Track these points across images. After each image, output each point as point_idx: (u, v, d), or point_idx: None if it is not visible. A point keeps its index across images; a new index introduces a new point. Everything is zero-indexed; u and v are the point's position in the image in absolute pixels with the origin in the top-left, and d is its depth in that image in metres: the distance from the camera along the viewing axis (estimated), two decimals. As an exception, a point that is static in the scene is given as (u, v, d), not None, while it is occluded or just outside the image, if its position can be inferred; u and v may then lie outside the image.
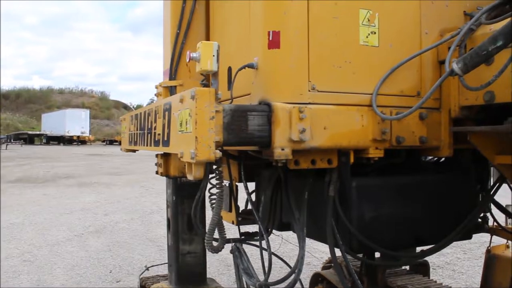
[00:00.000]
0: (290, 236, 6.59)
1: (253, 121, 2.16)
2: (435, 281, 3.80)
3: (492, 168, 3.15)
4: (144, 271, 4.36)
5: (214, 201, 2.55)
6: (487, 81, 2.14)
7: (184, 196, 3.60)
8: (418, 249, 3.17)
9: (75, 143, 62.23)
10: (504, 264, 3.67)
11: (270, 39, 2.32)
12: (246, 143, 2.22)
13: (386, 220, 2.56)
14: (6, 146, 48.31)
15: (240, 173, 3.08)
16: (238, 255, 3.13)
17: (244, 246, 3.24)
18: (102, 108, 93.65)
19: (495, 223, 3.56)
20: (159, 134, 2.62)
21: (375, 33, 2.49)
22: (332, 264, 2.92)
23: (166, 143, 2.47)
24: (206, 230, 2.54)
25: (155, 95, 3.59)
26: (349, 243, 2.50)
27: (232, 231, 3.43)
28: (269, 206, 2.97)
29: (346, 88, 2.42)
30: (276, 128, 2.18)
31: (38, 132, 69.35)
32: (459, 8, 2.73)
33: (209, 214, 2.67)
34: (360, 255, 3.12)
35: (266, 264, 2.79)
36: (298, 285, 2.64)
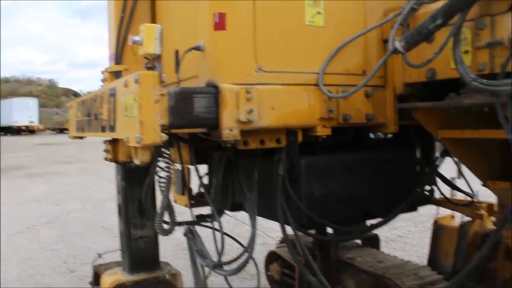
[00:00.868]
0: (246, 217, 6.65)
1: (199, 103, 2.16)
2: (383, 253, 3.92)
3: (436, 143, 3.26)
4: (97, 259, 4.31)
5: (163, 185, 2.55)
6: (428, 58, 2.20)
7: (134, 182, 3.58)
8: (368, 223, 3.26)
9: (23, 133, 60.48)
10: (450, 234, 3.81)
11: (216, 21, 2.31)
12: (192, 125, 2.23)
13: (335, 197, 2.62)
14: (-50, 139, 46.58)
15: (191, 156, 3.08)
16: (191, 237, 3.14)
17: (199, 228, 3.25)
18: (51, 96, 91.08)
19: (441, 196, 3.69)
20: (105, 120, 2.58)
21: (320, 13, 2.53)
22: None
23: (112, 128, 2.44)
24: (157, 214, 2.54)
25: (102, 80, 3.53)
26: (299, 220, 2.55)
27: (187, 215, 3.44)
28: (221, 187, 2.98)
29: (293, 68, 2.45)
30: (223, 110, 2.19)
31: (-17, 123, 67.05)
32: None
33: (160, 198, 2.67)
34: (312, 232, 3.19)
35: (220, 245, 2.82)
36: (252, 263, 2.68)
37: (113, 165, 3.79)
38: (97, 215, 9.27)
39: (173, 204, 3.03)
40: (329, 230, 3.46)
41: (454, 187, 3.60)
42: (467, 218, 3.72)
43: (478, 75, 2.06)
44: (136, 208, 3.60)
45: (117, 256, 3.99)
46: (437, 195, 3.63)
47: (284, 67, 2.42)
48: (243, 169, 2.74)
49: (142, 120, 2.00)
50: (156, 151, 2.48)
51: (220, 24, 2.31)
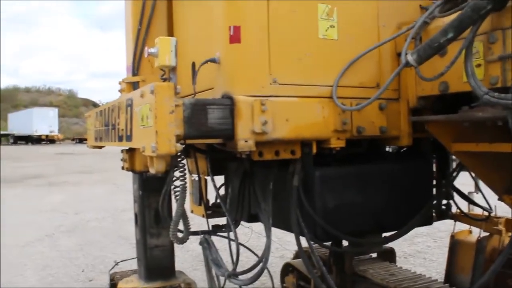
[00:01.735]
0: (263, 229, 6.66)
1: (213, 114, 2.21)
2: (399, 267, 3.90)
3: (453, 156, 3.26)
4: (113, 266, 4.36)
5: (178, 194, 2.59)
6: (440, 72, 2.23)
7: (150, 191, 3.63)
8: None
9: (43, 142, 61.23)
10: (467, 249, 3.78)
11: (231, 34, 2.37)
12: (207, 136, 2.28)
13: (349, 208, 2.64)
14: (-28, 147, 47.31)
15: (208, 167, 3.12)
16: (207, 246, 3.18)
17: (215, 240, 3.29)
18: (71, 106, 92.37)
19: (458, 210, 3.68)
20: (122, 130, 2.65)
21: (334, 26, 2.57)
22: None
23: (129, 138, 2.50)
24: (171, 223, 2.59)
25: (119, 91, 3.60)
26: (314, 231, 2.57)
27: (204, 225, 3.48)
28: (237, 198, 3.02)
29: (307, 81, 2.49)
30: (238, 121, 2.24)
31: (4, 132, 67.99)
32: (415, 2, 2.82)
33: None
34: (327, 243, 3.20)
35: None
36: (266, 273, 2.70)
37: (131, 175, 3.85)
38: (115, 224, 9.34)
39: (191, 214, 3.07)
40: (345, 243, 3.49)
41: (471, 201, 3.59)
42: (484, 233, 3.69)
43: (491, 88, 2.07)
44: (153, 217, 3.65)
45: (133, 265, 4.03)
46: (454, 209, 3.63)
47: (298, 79, 2.46)
48: (259, 180, 2.78)
49: (158, 130, 2.05)
50: (173, 161, 2.53)
51: (235, 37, 2.36)
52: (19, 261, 6.95)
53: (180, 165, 2.52)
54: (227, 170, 3.32)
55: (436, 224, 5.98)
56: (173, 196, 2.74)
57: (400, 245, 7.21)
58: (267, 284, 3.68)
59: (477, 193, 3.60)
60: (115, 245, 7.69)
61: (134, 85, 3.36)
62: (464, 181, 3.43)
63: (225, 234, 3.14)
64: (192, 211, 3.80)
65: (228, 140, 2.31)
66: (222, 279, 3.32)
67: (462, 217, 3.68)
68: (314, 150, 2.52)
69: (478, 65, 2.22)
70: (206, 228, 3.30)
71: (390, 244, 4.25)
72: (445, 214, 3.69)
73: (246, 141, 2.25)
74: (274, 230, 6.65)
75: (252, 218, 3.07)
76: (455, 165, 3.30)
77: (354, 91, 2.60)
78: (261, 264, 2.59)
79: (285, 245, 6.84)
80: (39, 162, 27.12)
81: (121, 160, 3.74)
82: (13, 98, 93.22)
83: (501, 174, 2.67)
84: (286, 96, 2.41)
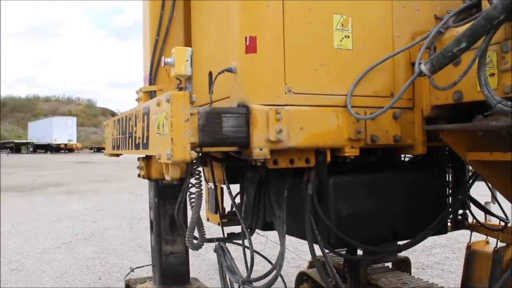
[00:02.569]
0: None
1: (227, 123, 2.25)
2: (412, 276, 3.90)
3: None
4: (129, 273, 4.41)
5: (193, 201, 2.63)
6: (453, 81, 2.24)
7: (166, 198, 3.68)
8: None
9: (62, 151, 61.81)
10: (484, 259, 3.75)
11: (247, 44, 2.41)
12: (221, 144, 2.33)
13: (363, 216, 2.66)
14: (-7, 156, 47.95)
15: (224, 175, 3.16)
16: (222, 253, 3.20)
17: (231, 249, 3.31)
18: (89, 115, 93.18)
19: (474, 220, 3.67)
20: (139, 138, 2.70)
21: (348, 37, 2.60)
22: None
23: (146, 145, 2.56)
24: (187, 229, 2.62)
25: (136, 100, 3.67)
26: (328, 239, 2.59)
27: (220, 233, 3.51)
28: (252, 206, 3.05)
29: (322, 90, 2.52)
30: (254, 129, 2.28)
31: (24, 141, 68.75)
32: (430, 12, 2.84)
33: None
34: (342, 252, 3.22)
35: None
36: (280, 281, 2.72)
37: (148, 184, 3.90)
38: (132, 233, 9.41)
39: (207, 223, 3.10)
40: (360, 252, 3.50)
41: (487, 211, 3.58)
42: (501, 244, 3.67)
43: (504, 97, 2.08)
44: (168, 224, 3.70)
45: (149, 272, 4.07)
46: (470, 220, 3.62)
47: (313, 89, 2.50)
48: (274, 187, 2.81)
49: (173, 138, 2.10)
50: (188, 169, 2.58)
51: (251, 47, 2.40)
52: (37, 268, 7.04)
53: (196, 172, 2.56)
54: (242, 179, 3.35)
55: (455, 235, 5.95)
56: (188, 204, 2.78)
57: (417, 256, 7.16)
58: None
59: (493, 203, 3.59)
60: (132, 253, 7.75)
61: (151, 94, 3.42)
62: (482, 192, 3.43)
63: (239, 242, 3.17)
64: (208, 219, 3.84)
65: (243, 148, 2.34)
66: (236, 286, 3.35)
67: (478, 227, 3.67)
68: (329, 158, 2.55)
69: (492, 74, 2.24)
70: (220, 236, 3.34)
71: (408, 255, 4.25)
72: (461, 224, 3.69)
73: (261, 149, 2.28)
74: (291, 240, 6.71)
75: (267, 226, 3.09)
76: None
77: (368, 100, 2.62)
78: (275, 271, 2.60)
79: (301, 255, 6.83)
80: (58, 170, 27.41)
81: (138, 168, 3.79)
82: (33, 107, 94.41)
83: (516, 183, 2.67)
84: (301, 105, 2.44)
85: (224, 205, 3.73)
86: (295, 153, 2.48)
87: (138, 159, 3.75)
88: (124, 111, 3.28)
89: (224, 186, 3.27)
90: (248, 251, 2.90)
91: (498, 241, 3.65)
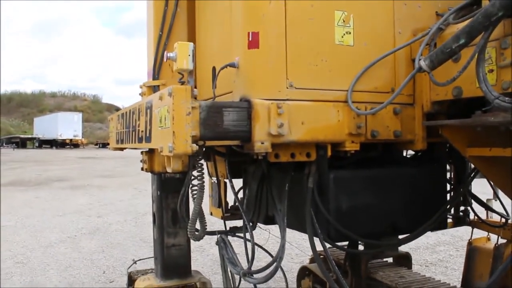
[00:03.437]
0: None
1: (228, 117, 2.29)
2: (410, 270, 3.94)
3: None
4: (131, 265, 4.46)
5: (195, 193, 2.67)
6: (452, 77, 2.27)
7: (169, 191, 3.71)
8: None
9: (67, 146, 62.02)
10: (485, 256, 3.78)
11: (250, 39, 2.45)
12: (222, 137, 2.36)
13: (362, 210, 2.69)
14: (-1, 150, 48.21)
15: (227, 170, 3.20)
16: (223, 246, 3.25)
17: (234, 244, 3.35)
18: (95, 111, 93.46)
19: (475, 217, 3.70)
20: (142, 131, 2.74)
21: (350, 33, 2.63)
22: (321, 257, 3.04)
23: (148, 139, 2.60)
24: (189, 221, 2.67)
25: (140, 94, 3.70)
26: (327, 232, 2.63)
27: (223, 228, 3.55)
28: (254, 200, 3.09)
29: (323, 85, 2.55)
30: (255, 123, 2.31)
31: (30, 136, 68.99)
32: (431, 9, 2.87)
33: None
34: (343, 246, 3.25)
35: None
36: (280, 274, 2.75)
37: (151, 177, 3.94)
38: (136, 228, 9.46)
39: (210, 217, 3.13)
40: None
41: (488, 208, 3.60)
42: (502, 240, 3.70)
43: (503, 93, 2.11)
44: (170, 217, 3.73)
45: (152, 264, 4.11)
46: (472, 216, 3.65)
47: (314, 84, 2.53)
48: (275, 182, 2.85)
49: (175, 131, 2.14)
50: (190, 162, 2.62)
51: (253, 42, 2.44)
52: (42, 262, 7.10)
53: (198, 165, 2.60)
54: (245, 173, 3.39)
55: (459, 233, 5.97)
56: (191, 197, 2.82)
57: (421, 254, 7.19)
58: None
59: (495, 200, 3.62)
60: (136, 247, 7.80)
61: (155, 89, 3.45)
62: (487, 190, 3.46)
63: (241, 235, 3.20)
64: (211, 214, 3.88)
65: (245, 142, 2.38)
66: (237, 278, 3.40)
67: (480, 224, 3.69)
68: (329, 153, 2.58)
69: (491, 71, 2.26)
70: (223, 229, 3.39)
71: (412, 253, 4.28)
72: (462, 220, 3.72)
73: (262, 143, 2.32)
74: (295, 236, 6.74)
75: (269, 220, 3.13)
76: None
77: (369, 96, 2.65)
78: (275, 264, 2.64)
79: (305, 251, 6.87)
80: (63, 165, 27.52)
81: (141, 161, 3.84)
82: (39, 103, 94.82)
83: (516, 179, 2.69)
84: (302, 100, 2.48)
85: (227, 200, 3.78)
86: (296, 147, 2.51)
87: (142, 152, 3.80)
88: (128, 106, 3.31)
89: (227, 181, 3.31)
90: (249, 244, 2.94)
91: (499, 237, 3.68)
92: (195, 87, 2.66)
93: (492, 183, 3.28)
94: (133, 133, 3.01)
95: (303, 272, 4.67)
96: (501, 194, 3.19)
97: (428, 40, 2.54)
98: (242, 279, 3.05)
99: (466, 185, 3.28)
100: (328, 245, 2.75)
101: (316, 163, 2.60)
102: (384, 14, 2.74)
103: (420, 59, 2.32)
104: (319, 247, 2.75)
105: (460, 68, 2.25)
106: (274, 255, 2.74)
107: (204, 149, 2.64)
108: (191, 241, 3.83)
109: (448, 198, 3.12)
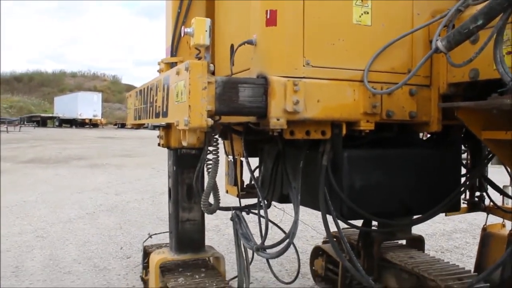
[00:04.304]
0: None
1: (244, 93, 2.32)
2: (420, 251, 3.96)
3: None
4: (147, 239, 4.55)
5: (210, 167, 2.72)
6: (469, 58, 2.27)
7: (184, 167, 3.77)
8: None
9: (87, 126, 62.60)
10: (499, 242, 3.79)
11: (268, 17, 2.47)
12: (237, 112, 2.40)
13: (375, 190, 2.72)
14: (20, 128, 48.83)
15: (243, 148, 3.24)
16: (238, 221, 3.30)
17: (249, 223, 3.39)
18: (114, 91, 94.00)
19: (491, 203, 3.70)
20: (159, 106, 2.79)
21: (368, 13, 2.63)
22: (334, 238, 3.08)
23: (165, 114, 2.65)
24: (203, 194, 2.72)
25: (158, 71, 3.75)
26: (340, 210, 2.66)
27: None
28: (269, 178, 3.13)
29: (339, 64, 2.56)
30: (272, 100, 2.34)
31: (50, 115, 69.73)
32: None
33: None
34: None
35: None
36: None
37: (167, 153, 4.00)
38: (154, 206, 9.59)
39: (224, 198, 3.17)
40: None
41: (504, 193, 3.59)
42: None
43: (520, 76, 2.11)
44: (185, 192, 3.79)
45: (166, 239, 4.18)
46: (488, 202, 3.65)
47: (331, 62, 2.54)
48: (290, 160, 2.88)
49: (191, 105, 2.18)
50: (206, 137, 2.66)
51: (271, 20, 2.46)
52: (61, 236, 7.25)
53: (213, 140, 2.65)
54: (261, 152, 3.43)
55: (476, 221, 5.96)
56: (206, 174, 2.87)
57: (437, 240, 7.19)
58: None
59: (512, 186, 3.61)
60: (153, 225, 7.91)
61: (172, 66, 3.49)
62: (504, 179, 3.45)
63: (255, 211, 3.25)
64: (227, 191, 3.94)
65: (260, 118, 2.41)
66: (250, 253, 3.45)
67: (495, 209, 3.70)
68: (344, 131, 2.60)
69: (509, 53, 2.25)
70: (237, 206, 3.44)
71: (427, 239, 4.30)
72: (477, 206, 3.73)
73: (278, 119, 2.35)
74: (311, 219, 6.79)
75: (283, 199, 3.17)
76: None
77: (385, 76, 2.66)
78: (288, 239, 2.69)
79: (321, 233, 6.91)
80: (83, 144, 27.83)
81: (158, 137, 3.90)
82: (60, 82, 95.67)
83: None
84: (318, 78, 2.49)
85: (243, 179, 3.83)
86: (311, 124, 2.54)
87: (159, 128, 3.86)
88: (146, 82, 3.36)
89: (243, 159, 3.35)
90: (263, 222, 2.99)
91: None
92: (213, 64, 2.70)
93: (508, 168, 3.28)
94: (151, 108, 3.06)
95: (317, 252, 4.72)
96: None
97: (447, 22, 2.53)
98: (255, 254, 3.10)
99: (481, 168, 3.28)
100: (341, 226, 2.78)
101: (330, 141, 2.62)
102: None
103: (437, 40, 2.32)
104: (333, 229, 2.79)
105: (477, 49, 2.25)
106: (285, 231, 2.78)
107: (220, 125, 2.69)
108: (206, 219, 3.91)
109: (462, 181, 3.13)
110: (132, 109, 3.90)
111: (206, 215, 3.69)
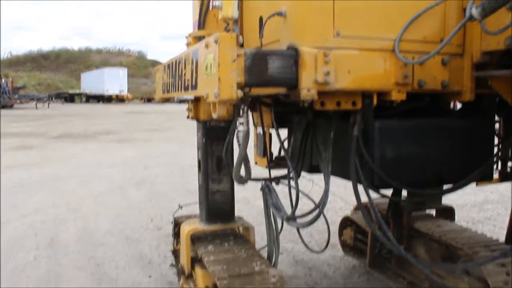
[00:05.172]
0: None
1: (273, 64, 2.31)
2: (447, 221, 3.96)
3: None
4: (177, 210, 4.63)
5: (241, 138, 2.75)
6: (505, 25, 2.22)
7: (213, 139, 3.79)
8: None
9: (114, 101, 63.27)
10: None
11: None
12: (267, 84, 2.40)
13: (407, 160, 2.70)
14: (48, 105, 49.64)
15: (273, 119, 3.25)
16: (268, 191, 3.33)
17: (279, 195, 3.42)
18: (140, 67, 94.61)
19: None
20: (188, 80, 2.81)
21: None
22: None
23: (194, 86, 2.66)
24: (234, 165, 2.75)
25: (186, 45, 3.75)
26: (371, 180, 2.66)
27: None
28: (299, 149, 3.14)
29: (370, 34, 2.53)
30: (302, 71, 2.33)
31: (78, 91, 70.64)
32: None
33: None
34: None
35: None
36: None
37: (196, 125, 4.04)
38: (182, 179, 9.70)
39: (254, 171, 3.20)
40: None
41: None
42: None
43: (558, 43, 2.06)
44: (215, 164, 3.82)
45: (195, 211, 4.25)
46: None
47: (361, 32, 2.51)
48: (320, 131, 2.88)
49: (220, 77, 2.19)
50: (236, 109, 2.68)
51: (301, -10, 2.44)
52: (93, 209, 7.42)
53: (244, 112, 2.67)
54: (290, 123, 3.43)
55: (508, 192, 5.89)
56: (235, 145, 2.89)
57: (468, 211, 7.13)
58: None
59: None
60: (182, 198, 7.98)
61: (200, 39, 3.50)
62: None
63: (285, 182, 3.27)
64: (256, 163, 3.97)
65: (291, 90, 2.41)
66: (279, 223, 3.49)
67: (528, 180, 3.65)
68: (375, 102, 2.59)
69: (546, 19, 2.20)
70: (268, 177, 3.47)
71: (458, 210, 4.27)
72: (509, 176, 3.68)
73: (309, 91, 2.34)
74: (340, 191, 6.79)
75: (313, 169, 3.18)
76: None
77: (417, 45, 2.61)
78: (318, 209, 2.71)
79: (351, 203, 6.93)
80: (110, 120, 28.17)
81: (187, 110, 3.94)
82: (86, 59, 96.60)
83: None
84: (348, 48, 2.48)
85: (272, 150, 3.85)
86: (342, 95, 2.53)
87: (188, 101, 3.89)
88: (173, 57, 3.37)
89: (272, 131, 3.36)
90: (293, 192, 3.01)
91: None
92: (242, 36, 2.70)
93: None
94: (179, 82, 3.08)
95: (345, 222, 4.75)
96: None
97: (481, -12, 2.47)
98: (284, 224, 3.13)
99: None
100: (372, 195, 2.78)
101: (361, 111, 2.61)
102: None
103: (471, 7, 2.27)
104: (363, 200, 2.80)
105: (514, 17, 2.20)
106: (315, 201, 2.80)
107: (249, 97, 2.69)
108: (235, 191, 3.95)
109: (493, 150, 3.09)
110: (160, 83, 3.93)
111: (235, 186, 3.73)
